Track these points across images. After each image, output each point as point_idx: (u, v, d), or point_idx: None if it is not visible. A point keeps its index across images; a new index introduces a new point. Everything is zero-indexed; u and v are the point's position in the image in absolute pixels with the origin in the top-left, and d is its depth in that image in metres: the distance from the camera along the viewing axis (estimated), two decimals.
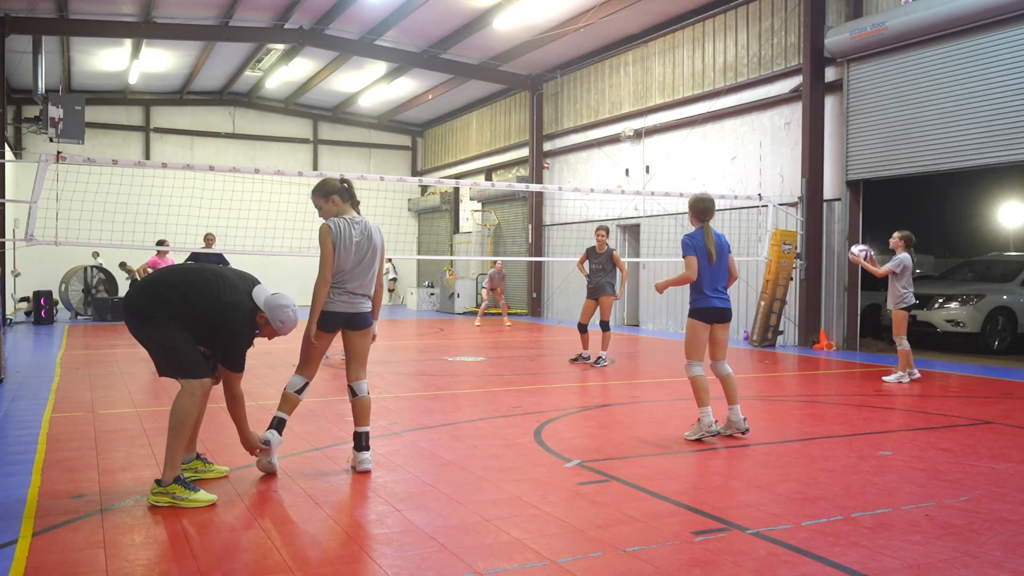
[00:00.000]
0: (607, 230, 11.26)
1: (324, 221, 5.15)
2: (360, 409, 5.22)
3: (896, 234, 9.72)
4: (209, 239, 13.92)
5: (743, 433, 6.29)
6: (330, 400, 7.88)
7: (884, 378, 9.68)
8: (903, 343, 9.56)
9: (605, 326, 11.00)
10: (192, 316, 4.53)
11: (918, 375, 9.65)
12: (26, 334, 15.77)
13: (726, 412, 6.35)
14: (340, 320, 5.15)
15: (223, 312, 4.59)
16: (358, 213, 5.28)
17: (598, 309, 11.08)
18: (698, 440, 6.14)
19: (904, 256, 9.51)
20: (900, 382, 9.46)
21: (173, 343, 4.50)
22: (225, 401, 4.96)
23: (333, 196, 5.21)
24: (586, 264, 11.20)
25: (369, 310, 5.24)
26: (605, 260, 10.96)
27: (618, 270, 10.99)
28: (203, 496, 4.45)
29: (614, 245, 18.52)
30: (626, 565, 3.58)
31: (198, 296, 4.57)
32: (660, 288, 6.60)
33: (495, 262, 19.03)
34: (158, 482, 4.45)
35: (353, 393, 5.23)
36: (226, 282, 4.69)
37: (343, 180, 5.31)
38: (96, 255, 20.60)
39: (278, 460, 5.16)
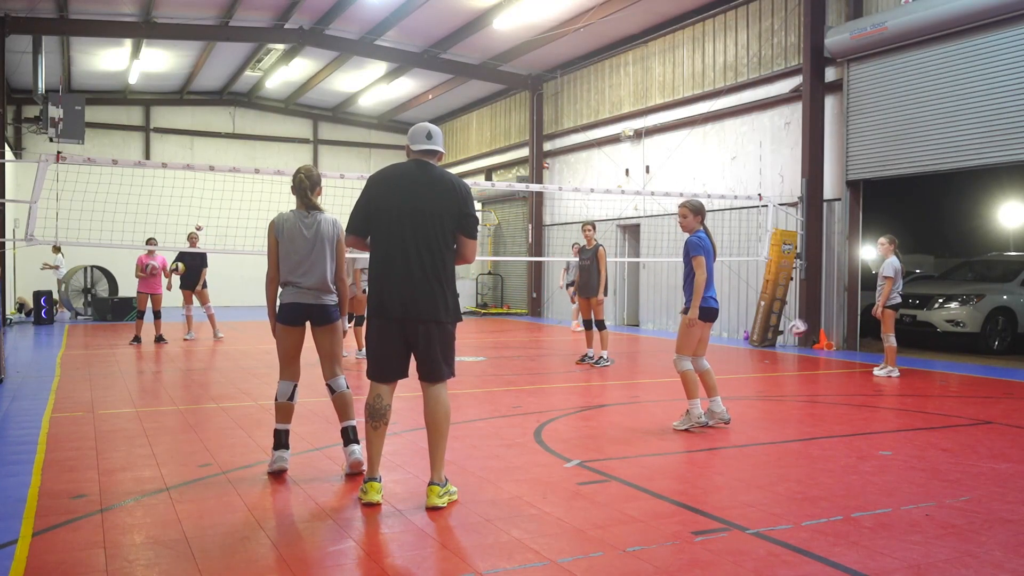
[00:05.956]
0: (594, 226, 11.20)
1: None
2: (342, 404, 5.21)
3: (884, 239, 10.14)
4: (192, 238, 14.00)
5: (726, 423, 6.53)
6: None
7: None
8: (890, 339, 10.10)
9: (600, 325, 10.92)
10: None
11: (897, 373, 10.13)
12: (26, 334, 15.77)
13: (707, 404, 6.59)
14: (301, 312, 5.05)
15: None
16: (311, 208, 5.10)
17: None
18: (686, 430, 6.34)
19: (892, 259, 10.01)
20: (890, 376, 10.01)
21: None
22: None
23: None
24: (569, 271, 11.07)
25: (333, 303, 5.14)
26: (592, 256, 10.84)
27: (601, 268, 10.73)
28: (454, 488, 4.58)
29: (614, 245, 18.54)
30: (626, 565, 3.57)
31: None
32: (691, 320, 6.41)
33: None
34: (437, 484, 4.39)
35: (332, 390, 5.25)
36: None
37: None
38: (56, 250, 19.23)
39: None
